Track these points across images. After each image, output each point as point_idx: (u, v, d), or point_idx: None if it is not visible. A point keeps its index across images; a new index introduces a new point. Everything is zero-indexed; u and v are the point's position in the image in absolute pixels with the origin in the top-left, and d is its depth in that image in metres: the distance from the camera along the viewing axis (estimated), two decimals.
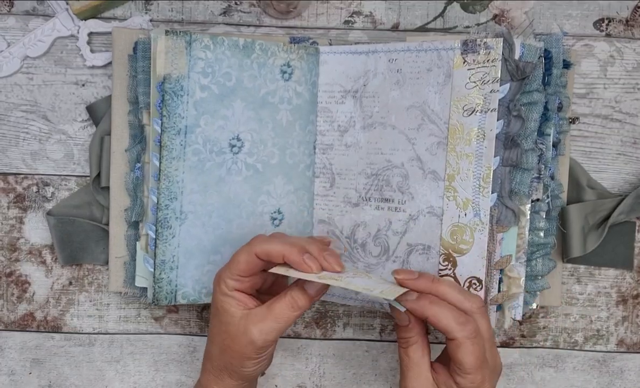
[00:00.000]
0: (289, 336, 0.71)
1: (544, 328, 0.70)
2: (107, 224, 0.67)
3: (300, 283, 0.56)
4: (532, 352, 0.71)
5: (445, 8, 0.68)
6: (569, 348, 0.71)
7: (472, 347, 0.53)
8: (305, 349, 0.71)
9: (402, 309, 0.55)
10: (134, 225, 0.66)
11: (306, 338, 0.71)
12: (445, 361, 0.57)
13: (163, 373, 0.71)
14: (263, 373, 0.70)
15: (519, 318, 0.61)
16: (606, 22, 0.68)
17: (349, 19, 0.68)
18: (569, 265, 0.70)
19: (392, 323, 0.70)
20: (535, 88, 0.58)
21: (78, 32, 0.67)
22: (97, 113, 0.68)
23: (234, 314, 0.56)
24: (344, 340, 0.71)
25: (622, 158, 0.69)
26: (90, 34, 0.67)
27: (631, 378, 0.70)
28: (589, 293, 0.70)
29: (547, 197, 0.63)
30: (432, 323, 0.54)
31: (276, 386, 0.71)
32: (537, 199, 0.62)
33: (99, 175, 0.67)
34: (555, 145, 0.64)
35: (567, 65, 0.64)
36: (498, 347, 0.68)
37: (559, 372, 0.71)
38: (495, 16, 0.68)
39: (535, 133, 0.59)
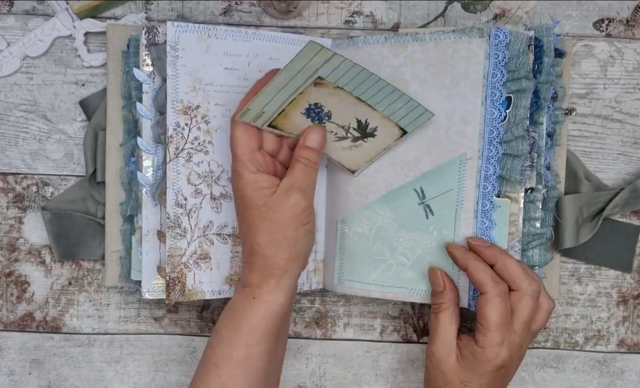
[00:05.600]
0: (289, 336, 0.70)
1: (544, 328, 0.70)
2: (103, 218, 0.67)
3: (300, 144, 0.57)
4: (533, 353, 0.70)
5: (446, 8, 0.68)
6: (569, 348, 0.70)
7: (499, 304, 0.55)
8: (305, 349, 0.71)
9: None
10: (129, 219, 0.66)
11: (306, 338, 0.71)
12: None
13: (163, 374, 0.70)
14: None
15: None
16: (606, 22, 0.68)
17: (350, 19, 0.68)
18: (570, 265, 0.70)
19: (392, 324, 0.70)
20: (524, 75, 0.58)
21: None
22: (89, 108, 0.68)
23: (266, 191, 0.55)
24: (344, 341, 0.71)
25: (622, 158, 0.69)
26: (87, 34, 0.67)
27: (632, 378, 0.70)
28: (590, 293, 0.70)
29: (543, 187, 0.63)
30: (470, 276, 0.56)
31: None
32: (532, 189, 0.62)
33: (95, 171, 0.67)
34: (550, 135, 0.63)
35: (560, 54, 0.63)
36: None
37: (559, 373, 0.70)
38: (496, 16, 0.68)
39: (526, 121, 0.59)
